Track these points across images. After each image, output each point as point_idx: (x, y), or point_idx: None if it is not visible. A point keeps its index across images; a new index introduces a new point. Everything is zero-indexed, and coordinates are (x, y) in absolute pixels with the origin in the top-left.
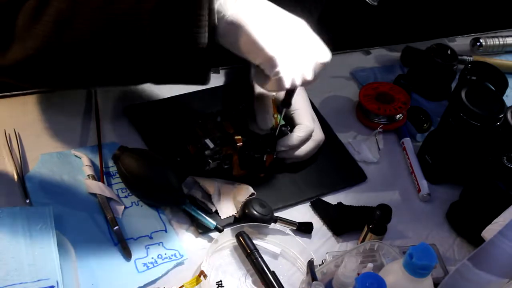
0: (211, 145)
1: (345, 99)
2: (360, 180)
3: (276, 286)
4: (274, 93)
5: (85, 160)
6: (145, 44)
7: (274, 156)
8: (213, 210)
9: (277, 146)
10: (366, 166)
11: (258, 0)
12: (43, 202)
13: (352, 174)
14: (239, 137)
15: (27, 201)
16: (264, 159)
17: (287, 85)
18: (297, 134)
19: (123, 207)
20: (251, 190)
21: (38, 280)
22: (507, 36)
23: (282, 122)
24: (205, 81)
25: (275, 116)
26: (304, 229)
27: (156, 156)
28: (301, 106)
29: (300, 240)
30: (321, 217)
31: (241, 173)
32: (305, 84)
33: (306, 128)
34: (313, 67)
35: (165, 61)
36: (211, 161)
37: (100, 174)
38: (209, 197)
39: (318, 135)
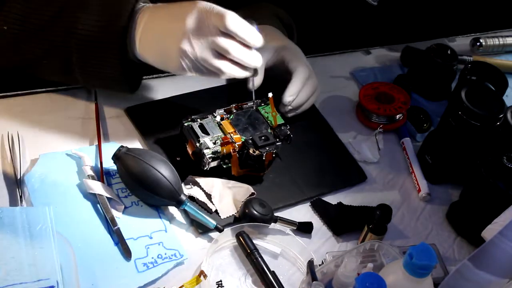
0: (211, 145)
1: (345, 99)
2: (360, 180)
3: (276, 286)
4: (271, 94)
5: (85, 160)
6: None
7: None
8: (213, 210)
9: (286, 97)
10: (366, 166)
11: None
12: (43, 202)
13: (352, 174)
14: (238, 136)
15: (23, 204)
16: (263, 158)
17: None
18: (296, 80)
19: (123, 207)
20: (251, 190)
21: (38, 280)
22: (507, 36)
23: (282, 121)
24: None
25: (274, 115)
26: (304, 229)
27: (156, 156)
28: (292, 57)
29: (300, 240)
30: (321, 217)
31: (240, 173)
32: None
33: (303, 73)
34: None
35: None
36: (210, 161)
37: (100, 174)
38: (209, 197)
39: (315, 81)
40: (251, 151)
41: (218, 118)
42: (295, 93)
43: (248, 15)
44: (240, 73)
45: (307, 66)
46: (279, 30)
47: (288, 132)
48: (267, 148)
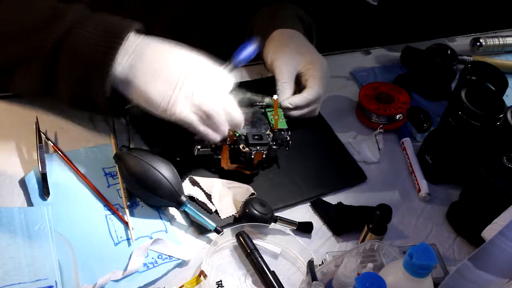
0: None
1: (345, 99)
2: (360, 180)
3: (276, 286)
4: (276, 96)
5: None
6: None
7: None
8: (213, 210)
9: (285, 102)
10: (366, 166)
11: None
12: (43, 202)
13: (352, 174)
14: (233, 130)
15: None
16: (252, 157)
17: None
18: (306, 95)
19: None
20: (251, 190)
21: (37, 280)
22: (507, 36)
23: (285, 126)
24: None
25: (276, 118)
26: (304, 229)
27: (157, 156)
28: (316, 74)
29: (300, 240)
30: (321, 217)
31: (230, 167)
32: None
33: (316, 91)
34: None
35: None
36: (199, 147)
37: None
38: (209, 197)
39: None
40: (241, 146)
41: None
42: (295, 104)
43: (270, 15)
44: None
45: (323, 87)
46: (303, 36)
47: (288, 138)
48: (257, 147)
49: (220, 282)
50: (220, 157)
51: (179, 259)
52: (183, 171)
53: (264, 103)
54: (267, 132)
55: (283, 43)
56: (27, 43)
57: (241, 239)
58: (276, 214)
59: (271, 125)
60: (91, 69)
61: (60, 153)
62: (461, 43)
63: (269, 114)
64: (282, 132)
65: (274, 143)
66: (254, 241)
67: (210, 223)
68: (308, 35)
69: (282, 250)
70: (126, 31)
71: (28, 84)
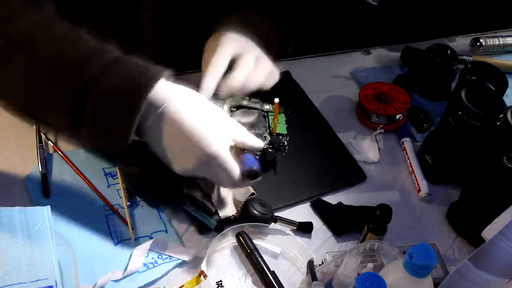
0: None
1: (345, 99)
2: (360, 180)
3: (276, 286)
4: (277, 100)
5: None
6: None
7: None
8: (213, 210)
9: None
10: (366, 166)
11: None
12: (43, 202)
13: (352, 174)
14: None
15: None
16: None
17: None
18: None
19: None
20: (251, 190)
21: (37, 280)
22: (507, 36)
23: (284, 131)
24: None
25: (275, 122)
26: (304, 229)
27: (157, 156)
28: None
29: (300, 240)
30: (321, 217)
31: None
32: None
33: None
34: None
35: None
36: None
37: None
38: (209, 197)
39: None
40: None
41: (226, 107)
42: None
43: (216, 26)
44: None
45: (253, 53)
46: (236, 34)
47: (285, 143)
48: None
49: (220, 282)
50: None
51: (179, 259)
52: None
53: (264, 110)
54: (264, 135)
55: (208, 44)
56: (59, 83)
57: (241, 239)
58: (276, 214)
59: (270, 128)
60: (115, 123)
61: (60, 153)
62: (461, 43)
63: (270, 117)
64: (280, 137)
65: (271, 146)
66: (254, 241)
67: (211, 221)
68: (265, 39)
69: (282, 250)
70: (150, 82)
71: (52, 121)
